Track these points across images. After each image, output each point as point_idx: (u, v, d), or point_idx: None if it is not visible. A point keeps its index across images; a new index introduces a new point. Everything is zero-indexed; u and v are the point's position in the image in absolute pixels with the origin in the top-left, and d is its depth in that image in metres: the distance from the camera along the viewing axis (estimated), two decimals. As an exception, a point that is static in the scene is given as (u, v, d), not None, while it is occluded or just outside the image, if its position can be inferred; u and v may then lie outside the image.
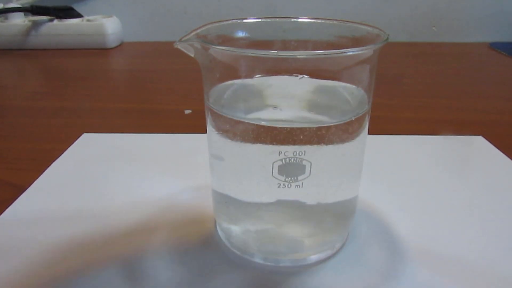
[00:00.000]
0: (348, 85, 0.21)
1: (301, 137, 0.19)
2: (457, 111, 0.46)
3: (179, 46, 0.20)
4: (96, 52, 0.72)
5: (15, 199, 0.28)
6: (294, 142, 0.19)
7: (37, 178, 0.31)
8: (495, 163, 0.33)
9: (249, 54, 0.18)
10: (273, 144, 0.19)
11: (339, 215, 0.23)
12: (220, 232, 0.25)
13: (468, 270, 0.22)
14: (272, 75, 0.21)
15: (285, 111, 0.21)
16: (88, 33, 0.72)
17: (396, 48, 0.72)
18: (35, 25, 0.72)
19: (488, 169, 0.32)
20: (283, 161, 0.19)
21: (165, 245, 0.24)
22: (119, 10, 0.80)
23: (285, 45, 0.24)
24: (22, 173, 0.32)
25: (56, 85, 0.58)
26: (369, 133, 0.22)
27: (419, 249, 0.23)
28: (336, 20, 0.23)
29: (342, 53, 0.18)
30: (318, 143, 0.19)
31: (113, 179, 0.31)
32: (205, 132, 0.22)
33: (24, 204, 0.28)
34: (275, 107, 0.21)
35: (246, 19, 0.23)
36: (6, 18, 0.73)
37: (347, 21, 0.22)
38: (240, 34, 0.23)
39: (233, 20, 0.23)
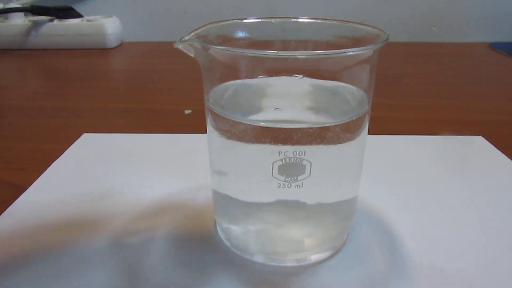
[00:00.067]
0: (348, 85, 0.21)
1: (301, 137, 0.19)
2: (457, 111, 0.46)
3: (179, 46, 0.20)
4: (96, 52, 0.72)
5: (15, 199, 0.28)
6: (294, 142, 0.19)
7: (37, 178, 0.31)
8: (495, 163, 0.33)
9: (249, 54, 0.18)
10: (273, 144, 0.19)
11: (339, 215, 0.23)
12: (220, 232, 0.25)
13: (468, 270, 0.22)
14: (272, 75, 0.21)
15: (285, 111, 0.21)
16: (88, 33, 0.72)
17: (396, 48, 0.72)
18: (35, 25, 0.72)
19: (488, 169, 0.32)
20: (283, 161, 0.19)
21: (165, 245, 0.24)
22: (119, 10, 0.80)
23: (285, 45, 0.24)
24: (22, 173, 0.32)
25: (56, 85, 0.58)
26: (369, 133, 0.22)
27: (419, 249, 0.23)
28: (336, 20, 0.23)
29: (342, 53, 0.18)
30: (318, 143, 0.19)
31: (113, 179, 0.31)
32: (205, 132, 0.22)
33: (24, 204, 0.28)
34: (276, 108, 0.21)
35: (246, 19, 0.23)
36: (6, 18, 0.73)
37: (347, 21, 0.22)
38: (240, 34, 0.23)
39: (233, 20, 0.23)
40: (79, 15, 0.74)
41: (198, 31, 0.21)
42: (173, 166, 0.32)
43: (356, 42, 0.22)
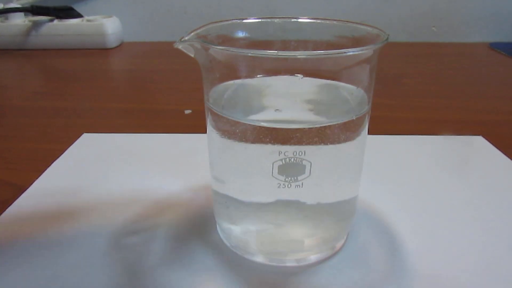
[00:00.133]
0: (348, 85, 0.21)
1: (301, 137, 0.19)
2: (457, 111, 0.46)
3: (179, 46, 0.20)
4: (96, 52, 0.72)
5: (15, 199, 0.28)
6: (294, 142, 0.19)
7: (37, 178, 0.31)
8: (495, 163, 0.33)
9: (249, 54, 0.18)
10: (273, 144, 0.19)
11: (339, 215, 0.23)
12: (220, 232, 0.25)
13: (468, 270, 0.22)
14: (272, 75, 0.21)
15: (285, 111, 0.21)
16: (88, 33, 0.72)
17: (396, 48, 0.72)
18: (35, 25, 0.72)
19: (488, 169, 0.32)
20: (283, 161, 0.19)
21: (165, 245, 0.24)
22: (119, 10, 0.80)
23: (285, 45, 0.24)
24: (22, 173, 0.32)
25: (56, 85, 0.57)
26: (369, 133, 0.22)
27: (419, 249, 0.23)
28: (336, 20, 0.23)
29: (342, 53, 0.18)
30: (318, 143, 0.19)
31: (113, 179, 0.31)
32: (205, 132, 0.22)
33: (24, 204, 0.28)
34: (277, 109, 0.21)
35: (246, 19, 0.23)
36: (6, 18, 0.73)
37: (347, 21, 0.22)
38: (240, 34, 0.23)
39: (233, 20, 0.23)
40: (79, 15, 0.74)
41: (198, 31, 0.21)
42: (173, 166, 0.32)
43: (356, 42, 0.22)
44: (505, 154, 0.34)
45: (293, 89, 0.22)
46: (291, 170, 0.19)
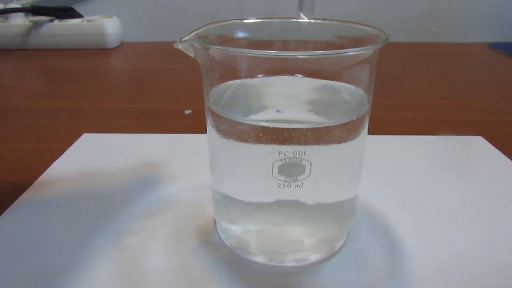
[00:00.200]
0: (348, 85, 0.21)
1: (301, 137, 0.19)
2: (457, 111, 0.46)
3: (179, 46, 0.20)
4: (96, 52, 0.72)
5: (15, 199, 0.28)
6: (294, 142, 0.19)
7: (37, 178, 0.31)
8: (495, 163, 0.33)
9: (249, 54, 0.18)
10: (273, 144, 0.19)
11: (339, 215, 0.23)
12: (220, 232, 0.25)
13: (468, 270, 0.22)
14: (272, 75, 0.21)
15: (285, 111, 0.21)
16: (88, 33, 0.72)
17: (396, 48, 0.72)
18: (36, 25, 0.72)
19: (488, 169, 0.32)
20: (283, 161, 0.19)
21: (165, 245, 0.24)
22: (119, 10, 0.80)
23: (285, 45, 0.24)
24: (22, 173, 0.32)
25: (56, 85, 0.57)
26: (369, 133, 0.22)
27: (419, 249, 0.23)
28: (336, 20, 0.23)
29: (342, 53, 0.18)
30: (318, 143, 0.19)
31: (113, 179, 0.31)
32: (205, 132, 0.22)
33: (24, 204, 0.28)
34: (277, 110, 0.21)
35: (246, 19, 0.23)
36: (7, 19, 0.73)
37: (347, 21, 0.22)
38: (240, 34, 0.23)
39: (233, 20, 0.23)
40: (79, 15, 0.74)
41: (198, 31, 0.21)
42: (173, 166, 0.32)
43: (356, 42, 0.22)
44: (505, 154, 0.34)
45: (293, 89, 0.22)
46: (291, 170, 0.19)
